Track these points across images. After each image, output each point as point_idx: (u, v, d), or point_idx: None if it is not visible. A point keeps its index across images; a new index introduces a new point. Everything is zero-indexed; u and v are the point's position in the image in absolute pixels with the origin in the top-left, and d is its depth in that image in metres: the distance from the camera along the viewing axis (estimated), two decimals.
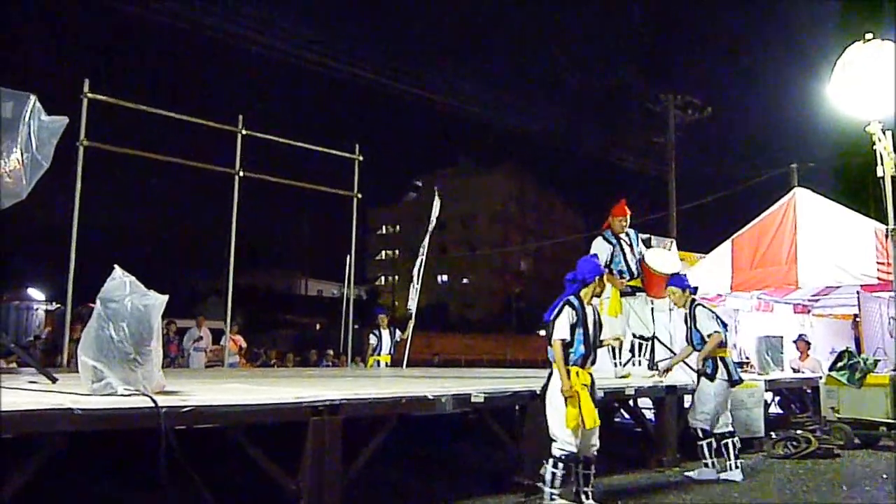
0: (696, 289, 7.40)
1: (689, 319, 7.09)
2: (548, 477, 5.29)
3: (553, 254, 56.54)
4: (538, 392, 5.60)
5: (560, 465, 5.28)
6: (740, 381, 7.09)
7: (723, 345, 6.95)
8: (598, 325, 5.62)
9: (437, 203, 11.45)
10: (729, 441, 6.77)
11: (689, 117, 22.05)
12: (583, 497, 5.41)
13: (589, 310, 5.51)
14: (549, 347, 5.42)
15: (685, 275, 7.67)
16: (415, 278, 11.00)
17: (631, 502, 5.82)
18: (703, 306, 7.19)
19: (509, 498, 5.75)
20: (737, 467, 6.67)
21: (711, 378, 6.89)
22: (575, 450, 5.29)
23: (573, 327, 5.35)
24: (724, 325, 7.03)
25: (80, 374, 3.87)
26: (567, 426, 5.23)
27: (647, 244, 10.52)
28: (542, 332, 5.71)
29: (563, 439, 5.28)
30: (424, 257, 11.20)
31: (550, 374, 5.43)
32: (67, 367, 7.50)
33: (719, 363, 6.91)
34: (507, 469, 6.09)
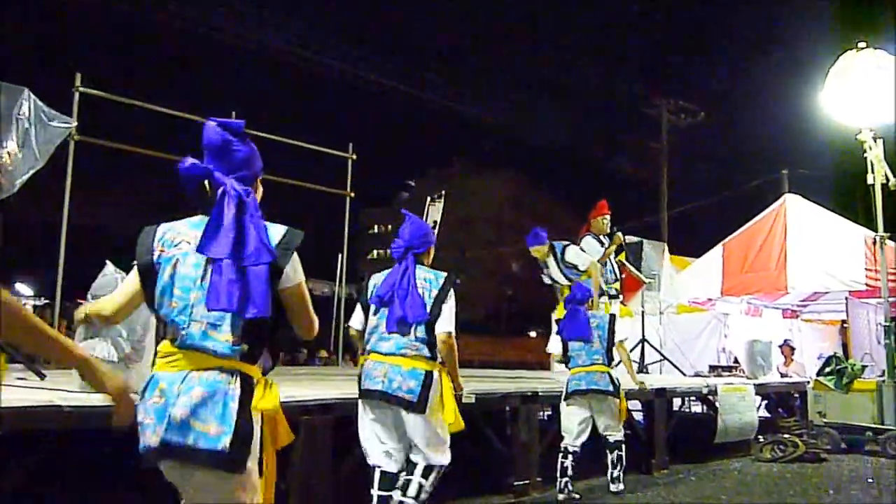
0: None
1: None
2: (623, 460, 5.90)
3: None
4: (613, 390, 5.85)
5: (624, 446, 5.91)
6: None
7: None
8: None
9: (440, 206, 11.46)
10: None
11: (682, 122, 22.11)
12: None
13: None
14: (595, 349, 5.87)
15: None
16: None
17: None
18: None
19: (500, 499, 5.76)
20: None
21: None
22: None
23: None
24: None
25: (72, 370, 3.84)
26: (623, 417, 5.96)
27: (640, 247, 10.56)
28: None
29: (621, 428, 5.95)
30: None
31: (611, 375, 5.86)
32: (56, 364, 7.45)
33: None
34: (497, 470, 6.10)
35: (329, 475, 4.50)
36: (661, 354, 10.87)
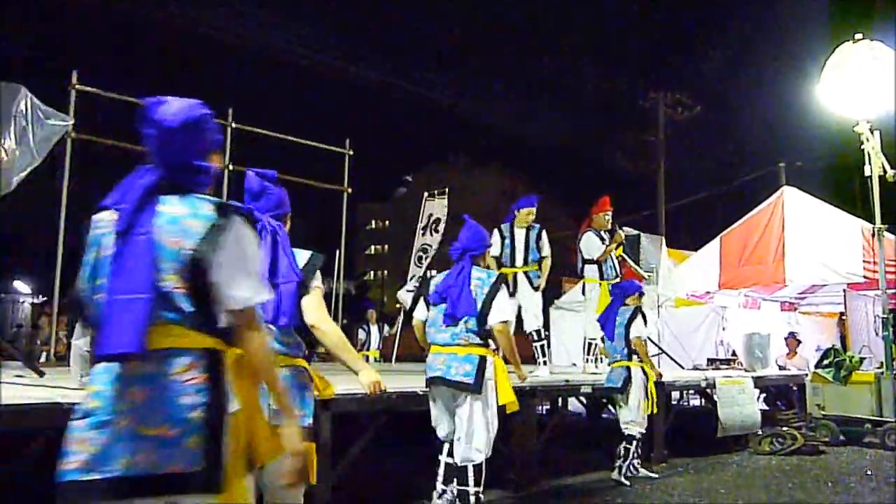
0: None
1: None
2: (633, 452, 6.29)
3: None
4: (620, 386, 6.26)
5: (636, 442, 6.32)
6: None
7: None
8: None
9: (442, 202, 11.51)
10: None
11: (678, 115, 22.05)
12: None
13: None
14: (617, 345, 6.33)
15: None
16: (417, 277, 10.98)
17: (619, 499, 5.85)
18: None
19: (500, 493, 5.77)
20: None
21: None
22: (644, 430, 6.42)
23: None
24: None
25: (70, 366, 3.83)
26: (648, 410, 6.36)
27: (637, 241, 10.56)
28: None
29: (643, 422, 6.33)
30: (429, 257, 11.33)
31: (628, 370, 6.24)
32: (59, 361, 7.43)
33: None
34: (497, 465, 6.10)
35: (327, 474, 4.50)
36: (660, 348, 10.86)
